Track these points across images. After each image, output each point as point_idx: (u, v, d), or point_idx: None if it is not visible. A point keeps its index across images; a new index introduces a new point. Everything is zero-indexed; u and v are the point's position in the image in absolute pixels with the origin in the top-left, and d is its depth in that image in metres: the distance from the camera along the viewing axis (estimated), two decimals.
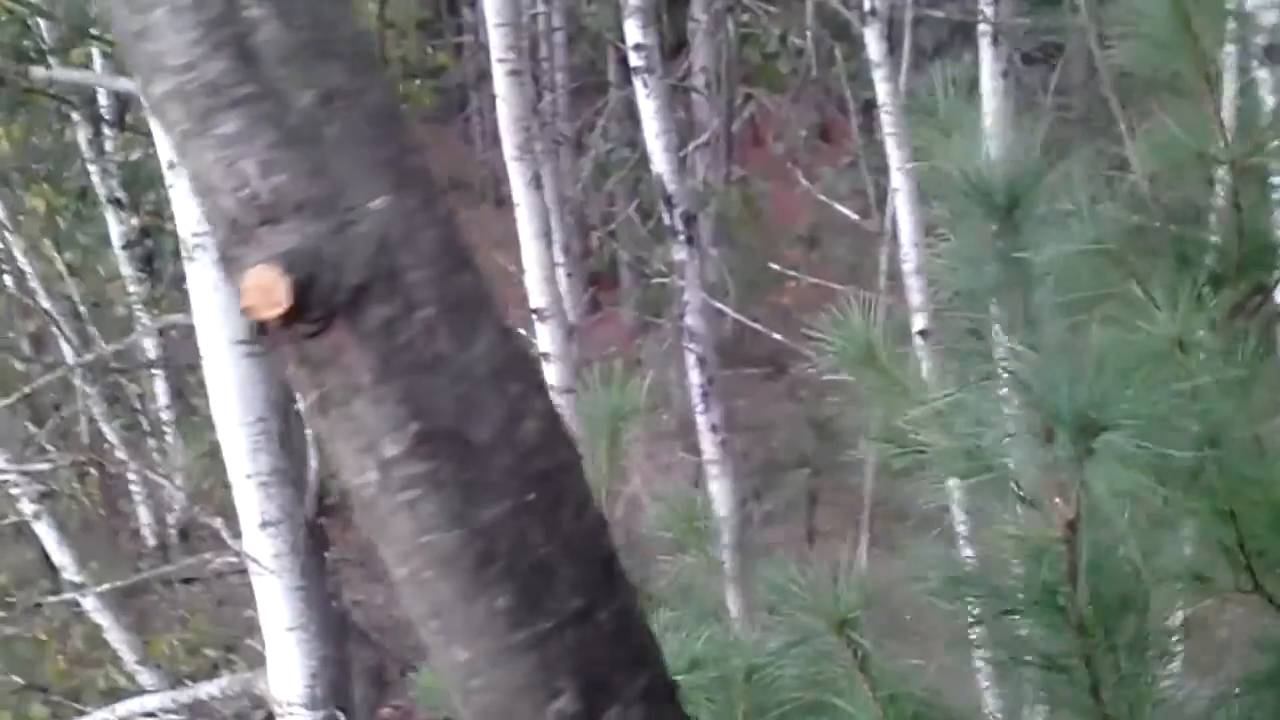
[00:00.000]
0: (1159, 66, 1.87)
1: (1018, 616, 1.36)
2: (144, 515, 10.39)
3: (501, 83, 6.01)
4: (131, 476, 9.80)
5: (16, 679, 6.49)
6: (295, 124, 1.02)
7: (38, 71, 5.84)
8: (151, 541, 10.07)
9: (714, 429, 7.46)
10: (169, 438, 10.00)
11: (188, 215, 4.82)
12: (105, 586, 5.97)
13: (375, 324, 1.04)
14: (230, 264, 1.02)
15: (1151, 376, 1.67)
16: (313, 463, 5.31)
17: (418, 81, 10.85)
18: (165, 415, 10.02)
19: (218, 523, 5.62)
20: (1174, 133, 1.86)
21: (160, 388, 9.98)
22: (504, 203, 8.84)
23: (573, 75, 11.29)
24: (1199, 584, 1.54)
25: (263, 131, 1.01)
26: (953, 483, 1.87)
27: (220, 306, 4.83)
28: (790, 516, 8.76)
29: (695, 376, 7.38)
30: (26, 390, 5.66)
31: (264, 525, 5.00)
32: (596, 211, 10.59)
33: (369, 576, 9.27)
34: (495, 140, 6.62)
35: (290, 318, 1.00)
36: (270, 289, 0.97)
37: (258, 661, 7.53)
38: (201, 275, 4.82)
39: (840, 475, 8.35)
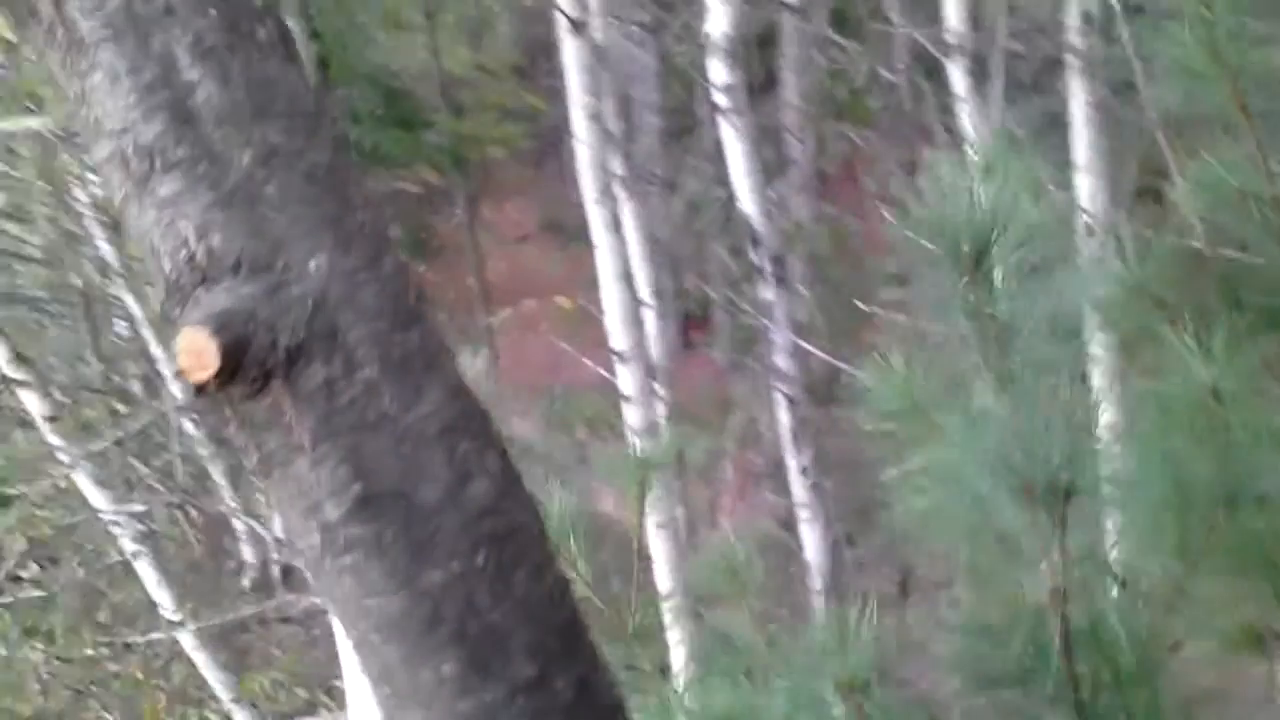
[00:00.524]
0: (1199, 100, 1.79)
1: (1011, 689, 1.29)
2: (248, 555, 10.61)
3: (582, 127, 6.06)
4: (232, 517, 10.02)
5: (107, 715, 6.65)
6: (233, 184, 1.02)
7: None
8: (251, 581, 10.27)
9: (804, 471, 7.36)
10: None
11: None
12: (199, 625, 6.09)
13: (314, 385, 1.03)
14: (170, 325, 1.02)
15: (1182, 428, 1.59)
16: None
17: (510, 125, 11.03)
18: None
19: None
20: (1215, 169, 1.77)
21: None
22: None
23: (664, 115, 11.33)
24: (1227, 647, 1.45)
25: (200, 192, 1.01)
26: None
27: None
28: (884, 562, 8.56)
29: (785, 417, 7.29)
30: (131, 431, 5.81)
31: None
32: (689, 251, 10.58)
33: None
34: None
35: (225, 379, 0.99)
36: (201, 351, 0.97)
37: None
38: None
39: None
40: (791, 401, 7.28)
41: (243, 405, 1.02)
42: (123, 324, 10.88)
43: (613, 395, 7.69)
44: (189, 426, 9.48)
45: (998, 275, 1.30)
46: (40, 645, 5.02)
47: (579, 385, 10.14)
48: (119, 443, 6.66)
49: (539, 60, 13.64)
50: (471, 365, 11.37)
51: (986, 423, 1.21)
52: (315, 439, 1.03)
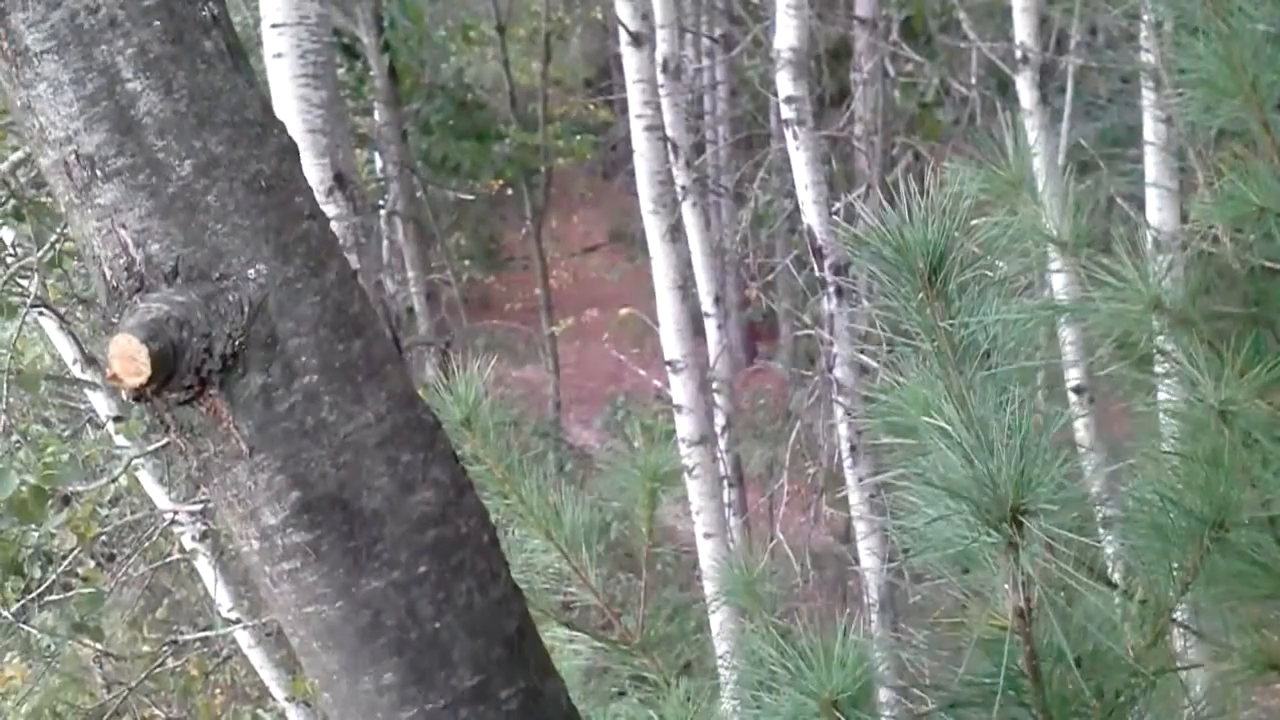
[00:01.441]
0: (1221, 115, 1.74)
1: (979, 710, 1.25)
2: None
3: (639, 138, 6.06)
4: None
5: (158, 712, 6.75)
6: (173, 193, 1.02)
7: None
8: None
9: (861, 483, 7.28)
10: None
11: None
12: (255, 623, 6.16)
13: (251, 392, 1.03)
14: (109, 331, 1.03)
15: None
16: None
17: (579, 137, 11.06)
18: None
19: None
20: (1235, 185, 1.72)
21: None
22: None
23: (734, 128, 11.31)
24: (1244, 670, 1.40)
25: (139, 201, 1.02)
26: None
27: None
28: (941, 577, 8.43)
29: (844, 430, 7.23)
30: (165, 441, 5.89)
31: None
32: (755, 262, 10.53)
33: None
34: None
35: (159, 385, 0.99)
36: (134, 357, 0.97)
37: None
38: None
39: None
40: (850, 414, 7.21)
41: (179, 411, 1.03)
42: None
43: (670, 404, 7.68)
44: None
45: (956, 291, 1.27)
46: (96, 643, 5.13)
47: (640, 394, 10.14)
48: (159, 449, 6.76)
49: (610, 74, 13.70)
50: (536, 373, 11.43)
51: (947, 442, 1.18)
52: (253, 446, 1.03)
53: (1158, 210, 6.23)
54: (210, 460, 1.05)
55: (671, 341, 6.10)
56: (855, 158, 10.22)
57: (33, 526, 4.66)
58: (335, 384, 1.05)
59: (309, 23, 4.93)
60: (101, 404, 7.13)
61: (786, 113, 7.02)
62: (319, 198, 5.02)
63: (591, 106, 10.92)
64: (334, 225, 4.71)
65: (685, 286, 6.29)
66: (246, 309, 1.02)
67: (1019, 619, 1.18)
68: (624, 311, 9.53)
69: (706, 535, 6.06)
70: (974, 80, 9.52)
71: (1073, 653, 1.17)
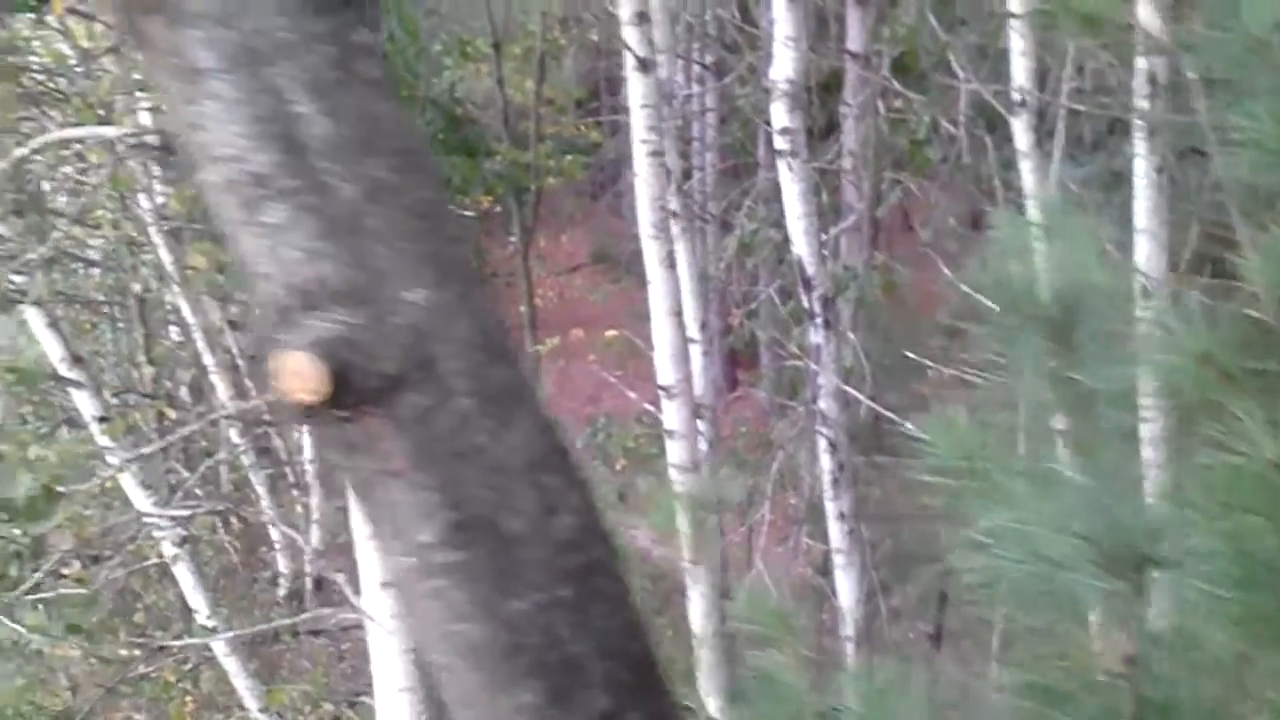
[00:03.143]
0: (1275, 177, 1.79)
1: None
2: (281, 564, 10.68)
3: (642, 163, 6.09)
4: (270, 527, 10.10)
5: (136, 717, 6.69)
6: (339, 215, 1.05)
7: None
8: (285, 591, 10.32)
9: (842, 516, 7.32)
10: (310, 491, 10.29)
11: None
12: (233, 634, 6.12)
13: (411, 412, 1.05)
14: (268, 346, 1.05)
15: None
16: None
17: (569, 157, 11.12)
18: (309, 469, 10.31)
19: (341, 578, 5.73)
20: None
21: (306, 441, 10.28)
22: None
23: (722, 155, 11.39)
24: None
25: (307, 222, 1.04)
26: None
27: None
28: (919, 613, 8.49)
29: (826, 462, 7.27)
30: (177, 435, 5.89)
31: (384, 585, 5.07)
32: (739, 290, 10.60)
33: None
34: None
35: (325, 403, 1.01)
36: (306, 374, 0.99)
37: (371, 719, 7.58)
38: None
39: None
40: (834, 446, 7.26)
41: (341, 428, 1.05)
42: (175, 330, 11.03)
43: (653, 427, 7.68)
44: (234, 435, 9.58)
45: (1080, 341, 1.30)
46: (82, 643, 5.08)
47: (619, 417, 10.17)
48: (165, 450, 6.73)
49: (601, 95, 13.77)
50: None
51: (1059, 488, 1.21)
52: (410, 465, 1.05)
53: (1146, 257, 6.33)
54: (367, 478, 1.07)
55: (666, 367, 6.12)
56: (843, 190, 10.31)
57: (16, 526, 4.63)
58: (486, 407, 1.08)
59: None
60: (85, 404, 7.08)
61: (781, 144, 7.08)
62: None
63: (584, 127, 10.97)
64: None
65: (680, 313, 6.32)
66: (408, 331, 1.04)
67: (1129, 665, 1.21)
68: (611, 333, 9.57)
69: (692, 562, 6.08)
70: (961, 119, 9.64)
71: (1183, 702, 1.20)
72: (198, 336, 10.20)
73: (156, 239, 9.67)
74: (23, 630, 4.97)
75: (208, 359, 10.49)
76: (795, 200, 7.05)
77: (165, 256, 9.66)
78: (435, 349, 1.06)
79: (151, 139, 4.98)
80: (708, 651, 5.68)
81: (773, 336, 10.17)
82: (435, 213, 1.09)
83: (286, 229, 1.04)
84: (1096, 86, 8.03)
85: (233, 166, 1.04)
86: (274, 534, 10.52)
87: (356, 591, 5.69)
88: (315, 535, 8.85)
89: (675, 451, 6.12)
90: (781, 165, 7.07)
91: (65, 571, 5.90)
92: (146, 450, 5.78)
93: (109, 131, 5.07)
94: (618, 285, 11.74)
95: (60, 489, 4.66)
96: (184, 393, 10.81)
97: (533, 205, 10.27)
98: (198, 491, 8.61)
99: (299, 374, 1.00)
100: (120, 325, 10.42)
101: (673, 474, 6.02)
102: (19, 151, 4.76)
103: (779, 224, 9.33)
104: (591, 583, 1.11)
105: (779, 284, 9.83)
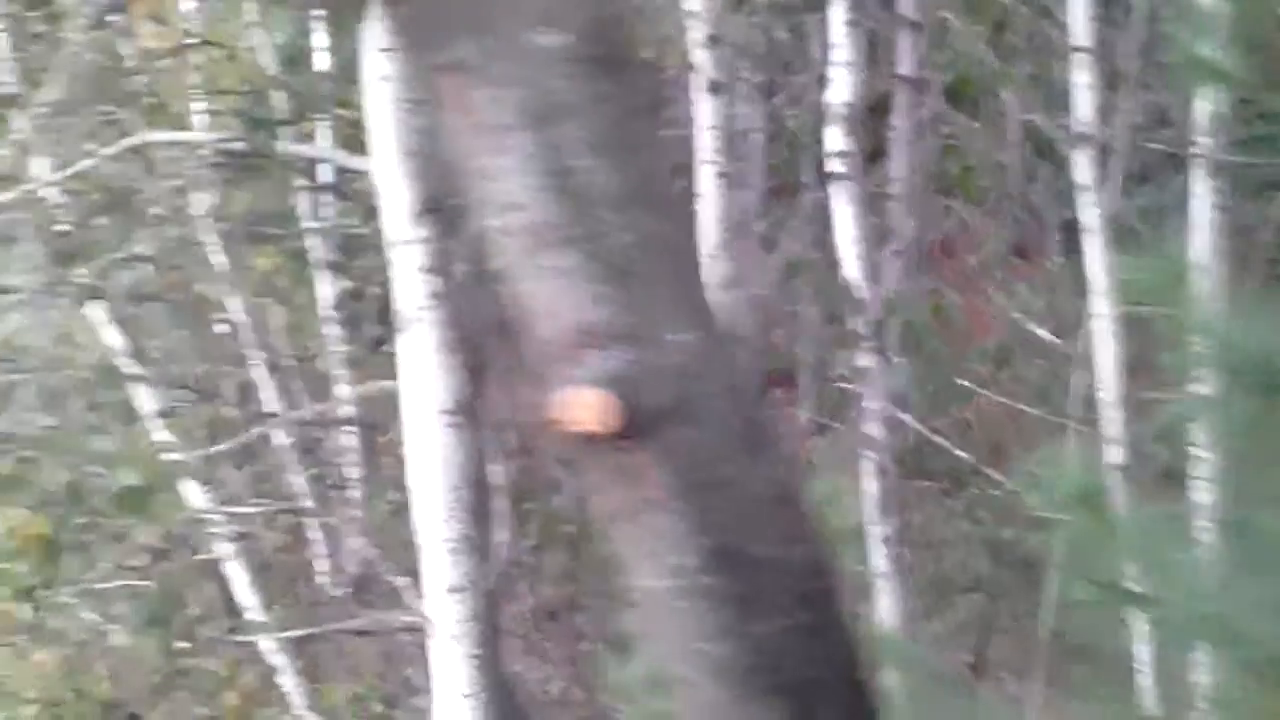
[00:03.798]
0: None
1: None
2: (323, 564, 10.77)
3: (708, 183, 6.20)
4: (316, 528, 10.20)
5: (203, 710, 6.80)
6: (617, 262, 1.14)
7: (280, 145, 6.28)
8: (329, 590, 10.43)
9: (886, 540, 7.37)
10: (354, 492, 10.39)
11: (406, 290, 5.05)
12: (301, 631, 6.21)
13: (674, 446, 1.14)
14: (547, 381, 1.14)
15: None
16: (499, 535, 5.48)
17: None
18: (353, 471, 10.41)
19: (402, 582, 5.82)
20: None
21: (351, 444, 10.38)
22: None
23: (767, 175, 11.47)
24: None
25: (589, 267, 1.14)
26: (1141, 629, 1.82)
27: (429, 376, 5.05)
28: (960, 641, 8.53)
29: (872, 486, 7.33)
30: (254, 433, 6.01)
31: (450, 590, 5.16)
32: (780, 310, 10.67)
33: (529, 650, 9.41)
34: None
35: (609, 434, 1.11)
36: (596, 407, 1.09)
37: None
38: (413, 345, 5.06)
39: (1015, 602, 8.12)
40: (882, 471, 7.32)
41: (614, 458, 1.14)
42: (224, 329, 11.15)
43: None
44: (280, 437, 9.69)
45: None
46: (158, 635, 5.20)
47: None
48: (224, 451, 6.85)
49: None
50: None
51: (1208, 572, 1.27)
52: (672, 494, 1.14)
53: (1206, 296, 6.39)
54: (627, 505, 1.16)
55: None
56: (889, 214, 10.39)
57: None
58: (738, 443, 1.17)
59: None
60: (145, 398, 7.20)
61: (835, 166, 7.16)
62: (410, 220, 5.07)
63: None
64: (424, 248, 4.78)
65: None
66: (675, 371, 1.13)
67: None
68: None
69: None
70: (1013, 148, 9.72)
71: None
72: (248, 337, 10.33)
73: (209, 238, 9.81)
74: (98, 619, 5.08)
75: (256, 359, 10.61)
76: (848, 224, 7.12)
77: (219, 257, 9.79)
78: (697, 388, 1.15)
79: (238, 145, 5.10)
80: None
81: (816, 358, 10.24)
82: (691, 262, 1.19)
83: (570, 273, 1.14)
84: (1154, 120, 8.10)
85: (521, 215, 1.14)
86: (314, 534, 10.64)
87: (418, 595, 5.80)
88: (362, 537, 8.95)
89: None
90: (835, 188, 7.16)
91: (133, 564, 6.01)
92: (223, 447, 5.89)
93: (197, 136, 5.20)
94: None
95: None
96: (231, 392, 10.93)
97: None
98: (248, 490, 8.73)
99: (589, 406, 1.09)
100: (175, 324, 10.54)
101: None
102: (109, 150, 4.88)
103: (823, 245, 9.40)
104: (826, 610, 1.19)
105: (822, 305, 9.91)
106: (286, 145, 7.05)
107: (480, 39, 1.09)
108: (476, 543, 5.24)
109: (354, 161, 5.67)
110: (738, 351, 1.24)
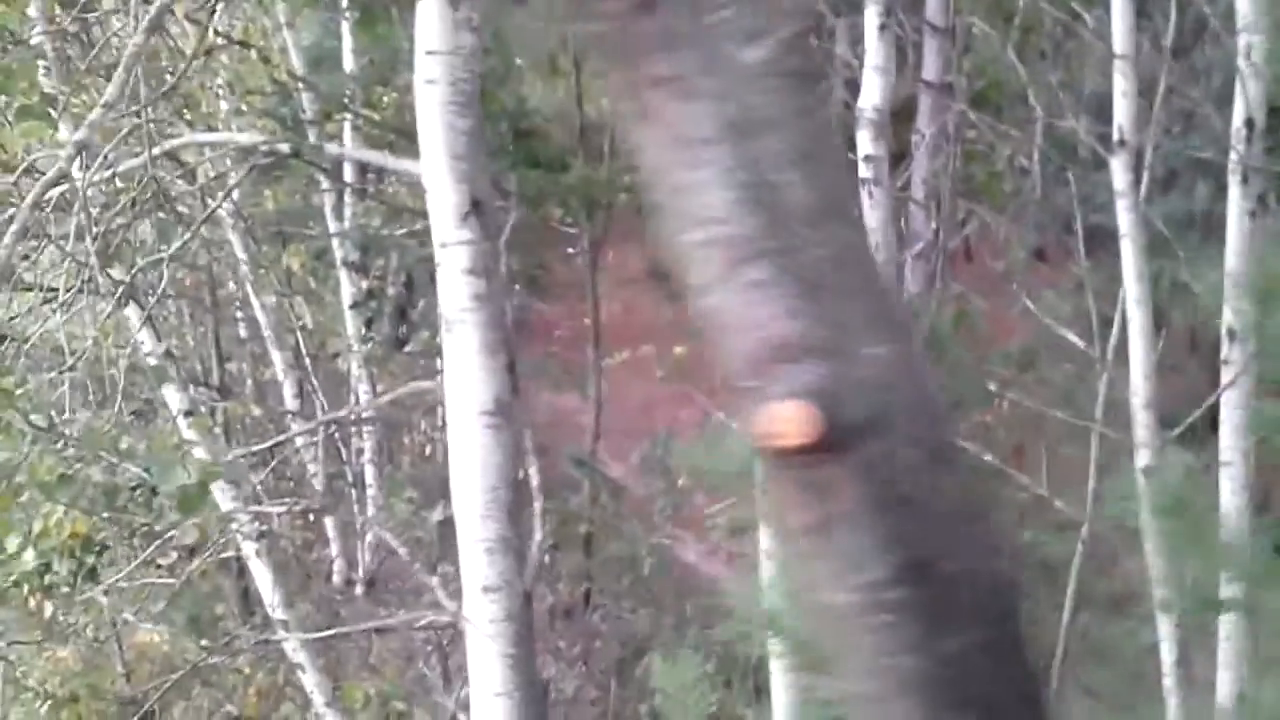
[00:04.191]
0: None
1: None
2: (339, 561, 10.80)
3: None
4: (330, 523, 10.22)
5: (230, 708, 6.81)
6: (813, 277, 1.14)
7: (330, 147, 6.29)
8: (345, 587, 10.44)
9: None
10: (371, 490, 10.41)
11: (451, 293, 5.05)
12: (319, 634, 6.22)
13: (869, 459, 1.14)
14: (745, 394, 1.14)
15: None
16: (536, 535, 5.49)
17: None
18: (370, 470, 10.43)
19: (434, 581, 5.82)
20: None
21: (369, 443, 10.41)
22: None
23: None
24: None
25: (785, 281, 1.14)
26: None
27: (470, 377, 5.04)
28: None
29: None
30: (290, 434, 6.01)
31: (485, 590, 5.15)
32: None
33: (544, 648, 9.42)
34: None
35: (809, 446, 1.11)
36: (798, 420, 1.09)
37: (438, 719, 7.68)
38: (457, 346, 5.05)
39: (1031, 606, 8.14)
40: None
41: (810, 471, 1.14)
42: (243, 327, 11.17)
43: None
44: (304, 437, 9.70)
45: None
46: (191, 632, 5.20)
47: (677, 433, 10.27)
48: (252, 451, 6.86)
49: None
50: (570, 401, 11.54)
51: None
52: (865, 508, 1.14)
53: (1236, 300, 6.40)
54: (820, 517, 1.16)
55: None
56: (911, 217, 10.40)
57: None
58: (929, 458, 1.17)
59: (463, 52, 5.07)
60: (174, 398, 7.21)
61: (864, 171, 7.18)
62: (455, 222, 5.08)
63: None
64: (468, 250, 4.78)
65: None
66: (870, 384, 1.13)
67: None
68: (679, 350, 9.67)
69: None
70: (1036, 152, 9.72)
71: None
72: (268, 336, 10.35)
73: (233, 237, 9.82)
74: (130, 618, 5.08)
75: (276, 358, 10.63)
76: (875, 228, 7.14)
77: (242, 255, 9.80)
78: (892, 401, 1.15)
79: (283, 148, 5.10)
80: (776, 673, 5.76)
81: None
82: (880, 277, 1.19)
83: (767, 287, 1.14)
84: (1186, 127, 8.11)
85: (720, 228, 1.14)
86: (331, 532, 10.66)
87: (444, 594, 5.80)
88: (381, 533, 8.95)
89: None
90: (864, 192, 7.17)
91: (162, 561, 6.01)
92: (256, 448, 5.90)
93: (242, 138, 5.20)
94: (672, 303, 11.85)
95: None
96: (250, 388, 10.96)
97: (604, 220, 10.39)
98: (270, 489, 8.74)
99: (791, 419, 1.09)
100: (200, 323, 10.56)
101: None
102: (155, 150, 4.87)
103: None
104: (1012, 626, 1.20)
105: None
106: (326, 146, 7.04)
107: (692, 53, 1.09)
108: (514, 544, 5.24)
109: (392, 163, 5.67)
110: (927, 364, 1.25)
